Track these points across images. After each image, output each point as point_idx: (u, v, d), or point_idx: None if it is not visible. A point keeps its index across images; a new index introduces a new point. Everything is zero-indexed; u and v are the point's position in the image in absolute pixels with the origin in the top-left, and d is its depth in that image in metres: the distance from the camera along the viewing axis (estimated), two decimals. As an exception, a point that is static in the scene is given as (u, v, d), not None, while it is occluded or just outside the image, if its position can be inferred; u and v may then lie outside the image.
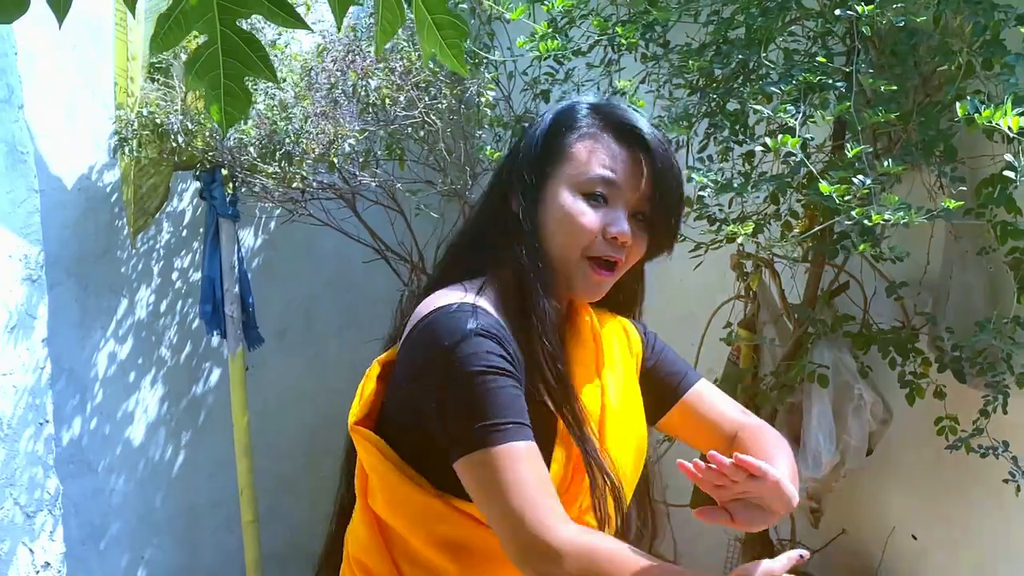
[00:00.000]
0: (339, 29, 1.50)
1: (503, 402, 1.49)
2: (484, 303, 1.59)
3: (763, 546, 3.32)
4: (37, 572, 3.64)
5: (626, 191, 1.64)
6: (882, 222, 2.38)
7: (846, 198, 2.43)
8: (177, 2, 1.33)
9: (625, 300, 1.86)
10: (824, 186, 2.42)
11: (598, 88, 3.44)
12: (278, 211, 4.32)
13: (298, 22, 1.40)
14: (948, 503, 3.10)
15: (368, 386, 1.70)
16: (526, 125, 1.78)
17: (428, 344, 1.55)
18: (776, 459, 1.66)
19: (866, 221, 2.39)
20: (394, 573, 1.61)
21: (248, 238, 4.35)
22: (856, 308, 3.14)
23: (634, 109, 1.71)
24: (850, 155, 2.51)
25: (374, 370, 1.72)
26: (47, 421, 3.70)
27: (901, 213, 2.36)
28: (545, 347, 1.59)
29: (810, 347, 3.06)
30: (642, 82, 3.19)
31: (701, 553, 3.75)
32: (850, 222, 2.49)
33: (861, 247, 2.56)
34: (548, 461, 1.56)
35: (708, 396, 1.88)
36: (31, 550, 3.62)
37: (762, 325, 3.28)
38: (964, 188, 2.63)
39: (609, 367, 1.76)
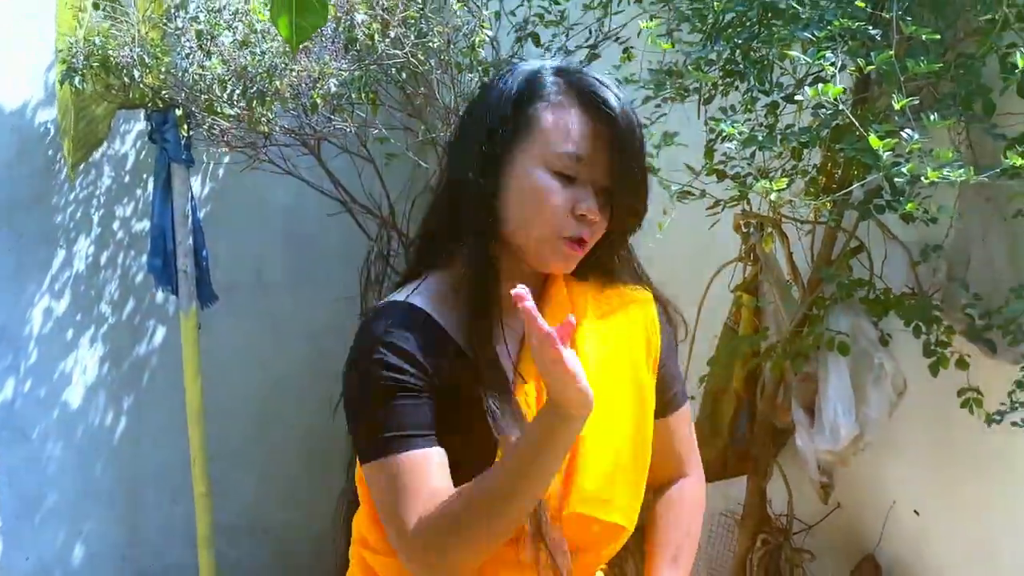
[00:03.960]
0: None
1: (391, 417, 1.53)
2: (421, 301, 1.61)
3: (760, 521, 3.25)
4: (-33, 552, 3.41)
5: (592, 167, 1.57)
6: (938, 180, 2.23)
7: (889, 154, 2.28)
8: None
9: (625, 268, 1.78)
10: (874, 139, 2.26)
11: (590, 32, 3.31)
12: (227, 158, 4.09)
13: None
14: (952, 477, 3.03)
15: None
16: (483, 85, 1.66)
17: (350, 352, 1.62)
18: (669, 544, 1.79)
19: (923, 179, 2.24)
20: (391, 550, 1.60)
21: (195, 186, 4.09)
22: (863, 272, 3.03)
23: (598, 76, 1.63)
24: (897, 107, 2.34)
25: None
26: (-24, 386, 3.47)
27: (961, 171, 2.22)
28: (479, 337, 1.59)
29: (824, 313, 2.95)
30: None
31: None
32: (899, 179, 2.34)
33: (909, 206, 2.42)
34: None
35: (678, 428, 1.88)
36: (-39, 529, 3.41)
37: (765, 289, 3.15)
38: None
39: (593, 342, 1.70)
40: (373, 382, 1.53)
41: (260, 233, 4.37)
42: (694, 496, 1.89)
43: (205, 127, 3.49)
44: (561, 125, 1.55)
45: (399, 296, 1.62)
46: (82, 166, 3.77)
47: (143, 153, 4.01)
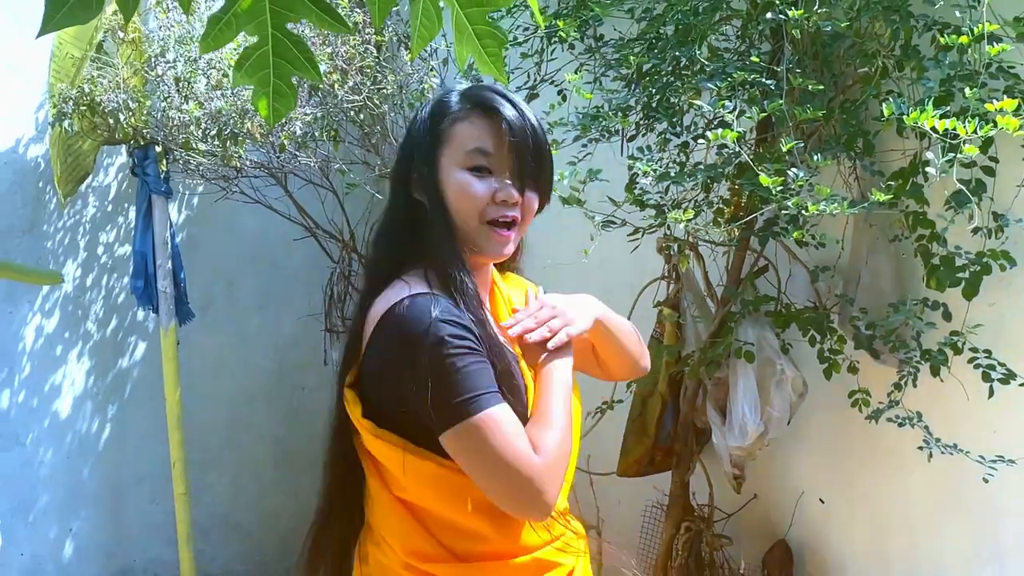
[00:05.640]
0: (377, 28, 1.61)
1: (472, 377, 1.67)
2: (424, 288, 1.75)
3: (684, 509, 3.52)
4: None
5: (502, 159, 1.80)
6: (817, 212, 2.56)
7: (779, 189, 2.60)
8: (230, 4, 1.43)
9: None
10: (764, 178, 2.58)
11: (528, 75, 3.59)
12: (201, 187, 4.35)
13: (343, 26, 1.52)
14: (852, 469, 3.33)
15: (354, 410, 1.80)
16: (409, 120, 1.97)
17: (400, 338, 1.71)
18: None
19: (803, 211, 2.58)
20: (438, 547, 1.76)
21: (173, 214, 4.34)
22: (771, 289, 3.33)
23: (495, 88, 1.88)
24: (784, 149, 2.66)
25: (350, 394, 1.82)
26: (-29, 397, 3.67)
27: (835, 204, 2.56)
28: (477, 317, 1.77)
29: (734, 325, 3.25)
30: (575, 72, 3.32)
31: (622, 516, 3.94)
32: (786, 211, 2.67)
33: (795, 234, 2.75)
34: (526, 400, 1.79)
35: None
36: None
37: (685, 305, 3.46)
38: (882, 180, 2.84)
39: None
40: (449, 354, 1.65)
41: (232, 257, 4.61)
42: None
43: (182, 162, 3.77)
44: (466, 131, 1.80)
45: (409, 291, 1.74)
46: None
47: (124, 184, 4.24)
